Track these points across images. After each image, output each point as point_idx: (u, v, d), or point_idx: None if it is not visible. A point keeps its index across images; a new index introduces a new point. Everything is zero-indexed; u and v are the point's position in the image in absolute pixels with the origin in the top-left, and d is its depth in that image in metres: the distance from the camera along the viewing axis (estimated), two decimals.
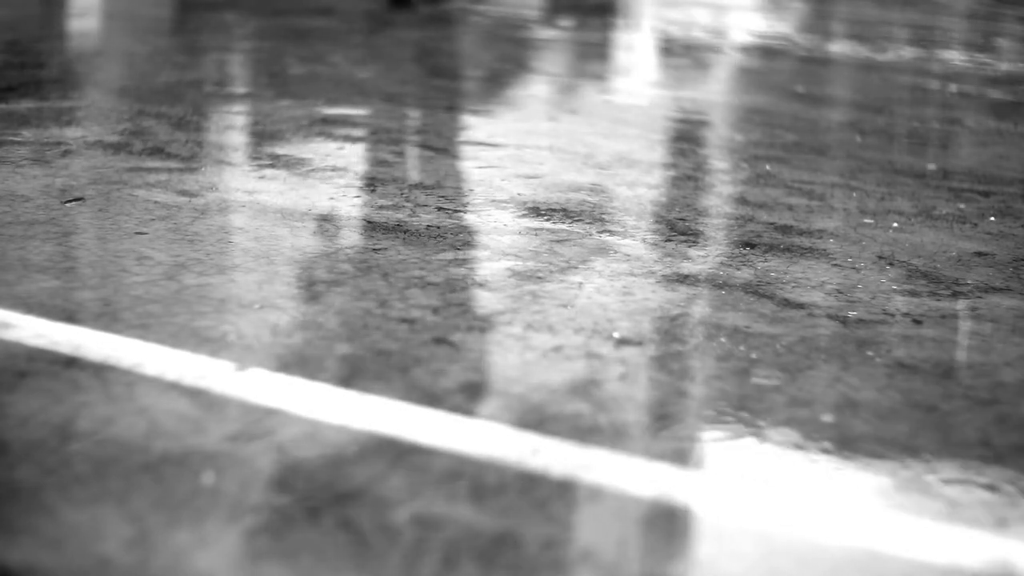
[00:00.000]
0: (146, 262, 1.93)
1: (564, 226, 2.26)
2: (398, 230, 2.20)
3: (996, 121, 3.78)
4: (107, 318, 1.69)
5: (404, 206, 2.36)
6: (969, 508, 1.30)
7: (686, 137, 3.31)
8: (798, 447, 1.42)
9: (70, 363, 1.53)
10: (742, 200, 2.54)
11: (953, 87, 4.46)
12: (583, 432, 1.43)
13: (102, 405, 1.42)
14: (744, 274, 2.03)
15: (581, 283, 1.94)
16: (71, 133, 2.81)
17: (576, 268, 2.02)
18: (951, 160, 3.14)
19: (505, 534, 1.20)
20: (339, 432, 1.39)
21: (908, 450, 1.43)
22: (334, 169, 2.60)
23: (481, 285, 1.92)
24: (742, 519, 1.26)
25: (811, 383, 1.60)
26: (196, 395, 1.46)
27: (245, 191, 2.39)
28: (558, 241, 2.17)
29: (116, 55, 4.33)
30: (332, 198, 2.37)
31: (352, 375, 1.55)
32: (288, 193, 2.39)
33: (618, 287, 1.93)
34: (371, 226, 2.20)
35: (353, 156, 2.74)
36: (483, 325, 1.75)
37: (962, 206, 2.59)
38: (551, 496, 1.28)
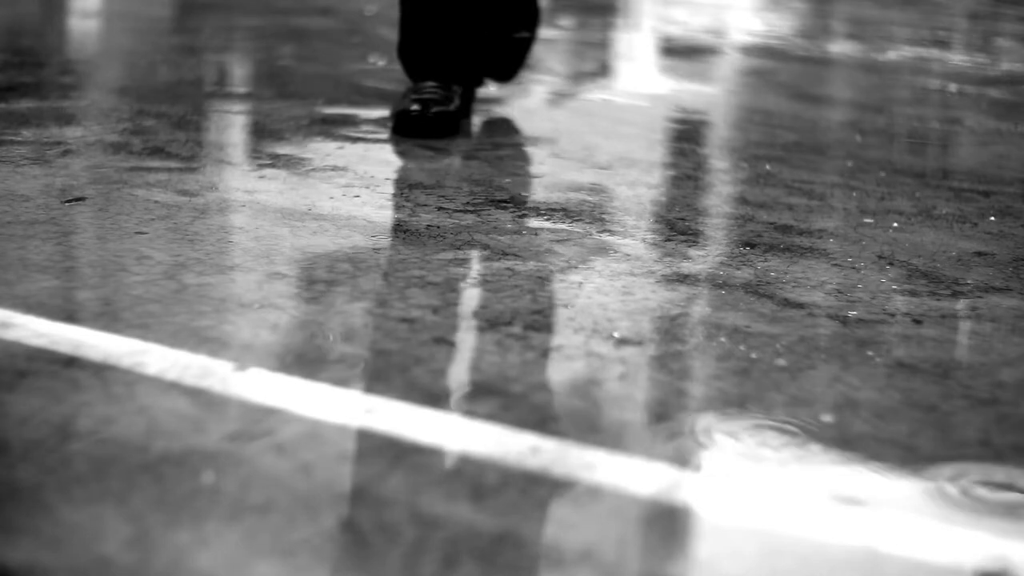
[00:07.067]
0: (146, 262, 1.93)
1: (564, 226, 2.26)
2: (398, 230, 2.20)
3: (996, 121, 3.78)
4: (107, 318, 1.69)
5: (404, 206, 2.36)
6: (969, 508, 1.30)
7: (686, 137, 3.32)
8: (798, 446, 1.42)
9: (70, 363, 1.53)
10: (742, 200, 2.54)
11: (953, 87, 4.46)
12: (583, 432, 1.43)
13: (102, 405, 1.42)
14: (744, 274, 2.03)
15: (581, 283, 1.94)
16: (71, 133, 2.81)
17: (576, 268, 2.02)
18: (951, 160, 3.14)
19: (505, 534, 1.20)
20: (339, 432, 1.39)
21: (908, 450, 1.43)
22: (334, 169, 2.60)
23: (481, 285, 1.92)
24: (742, 519, 1.26)
25: (811, 383, 1.60)
26: (196, 395, 1.46)
27: (245, 191, 2.39)
28: (558, 241, 2.17)
29: (116, 55, 4.33)
30: (332, 198, 2.37)
31: (352, 375, 1.55)
32: (288, 193, 2.39)
33: (618, 287, 1.93)
34: (371, 226, 2.20)
35: (353, 156, 2.74)
36: (483, 325, 1.75)
37: (962, 206, 2.59)
38: (551, 496, 1.28)
